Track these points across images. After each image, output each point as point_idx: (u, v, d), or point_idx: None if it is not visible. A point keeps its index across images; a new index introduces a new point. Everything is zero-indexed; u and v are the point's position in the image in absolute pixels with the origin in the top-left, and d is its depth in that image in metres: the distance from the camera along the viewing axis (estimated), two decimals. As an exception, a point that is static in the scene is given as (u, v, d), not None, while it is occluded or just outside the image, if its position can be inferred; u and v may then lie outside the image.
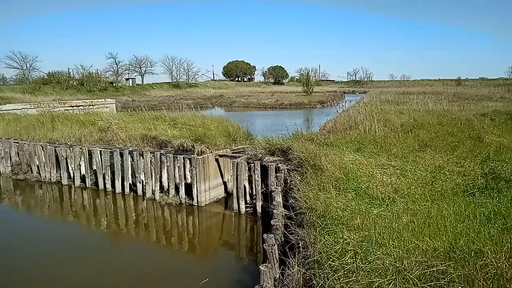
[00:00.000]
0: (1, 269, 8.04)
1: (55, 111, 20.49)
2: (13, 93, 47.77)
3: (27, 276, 7.72)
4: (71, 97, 45.83)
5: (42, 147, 14.21)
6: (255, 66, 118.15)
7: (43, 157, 14.20)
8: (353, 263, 3.55)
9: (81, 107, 24.97)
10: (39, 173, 14.47)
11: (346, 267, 3.59)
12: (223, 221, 10.83)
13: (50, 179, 14.16)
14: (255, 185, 10.49)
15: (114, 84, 69.32)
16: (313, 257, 4.08)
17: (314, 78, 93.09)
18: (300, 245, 4.90)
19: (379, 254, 3.72)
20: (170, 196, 11.63)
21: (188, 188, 11.40)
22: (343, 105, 25.91)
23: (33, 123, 16.80)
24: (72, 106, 25.34)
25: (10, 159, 15.29)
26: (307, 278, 4.05)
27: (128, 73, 79.56)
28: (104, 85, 64.63)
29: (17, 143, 15.14)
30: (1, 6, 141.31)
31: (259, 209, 10.37)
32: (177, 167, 11.39)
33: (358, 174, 6.92)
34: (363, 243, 4.05)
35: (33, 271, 7.95)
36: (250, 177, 11.12)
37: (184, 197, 11.40)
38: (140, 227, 10.60)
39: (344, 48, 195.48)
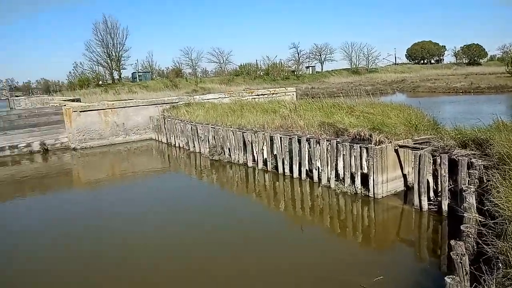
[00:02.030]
0: (202, 230, 9.46)
1: (244, 99, 22.82)
2: (212, 84, 55.76)
3: (214, 243, 8.85)
4: (258, 86, 50.41)
5: (232, 132, 16.02)
6: (444, 46, 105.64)
7: (233, 141, 16.01)
8: None
9: (265, 96, 27.04)
10: (230, 155, 16.42)
11: None
12: (401, 216, 10.08)
13: (238, 160, 15.88)
14: (440, 181, 9.34)
15: (295, 73, 72.71)
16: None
17: (523, 55, 77.19)
18: (500, 260, 4.06)
19: None
20: (345, 185, 11.48)
21: (364, 178, 11.01)
22: None
23: (226, 110, 19.08)
24: (258, 95, 27.69)
25: (208, 142, 17.80)
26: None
27: (309, 61, 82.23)
28: (286, 74, 68.55)
29: (214, 128, 17.48)
30: (207, 12, 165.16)
31: (444, 207, 9.21)
32: (353, 156, 11.12)
33: None
34: None
35: (217, 240, 9.07)
36: (434, 171, 9.97)
37: (359, 187, 11.08)
38: (315, 213, 10.84)
39: None
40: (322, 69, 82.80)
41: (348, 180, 11.44)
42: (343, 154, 11.45)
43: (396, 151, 10.82)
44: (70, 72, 64.67)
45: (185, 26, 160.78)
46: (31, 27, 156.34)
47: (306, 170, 12.89)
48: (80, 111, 22.72)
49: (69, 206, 12.82)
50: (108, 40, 61.02)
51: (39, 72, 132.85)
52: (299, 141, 12.84)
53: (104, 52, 61.36)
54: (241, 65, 72.76)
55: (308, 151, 12.68)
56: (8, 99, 58.50)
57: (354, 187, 11.22)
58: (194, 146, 19.16)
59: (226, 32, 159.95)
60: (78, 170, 19.44)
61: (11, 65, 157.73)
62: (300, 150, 12.84)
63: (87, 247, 9.17)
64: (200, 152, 18.60)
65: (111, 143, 23.35)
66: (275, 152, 14.04)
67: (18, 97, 56.73)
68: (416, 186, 9.71)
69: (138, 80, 63.83)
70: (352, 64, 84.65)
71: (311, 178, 12.71)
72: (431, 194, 10.00)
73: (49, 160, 21.14)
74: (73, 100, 30.25)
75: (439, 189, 9.53)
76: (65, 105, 24.01)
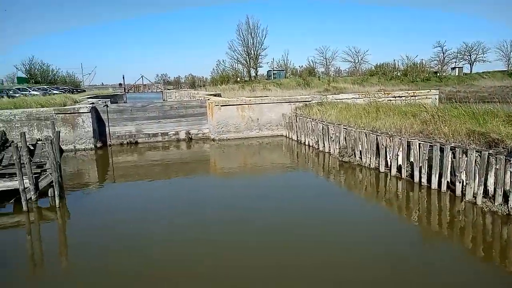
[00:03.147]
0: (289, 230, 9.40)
1: (379, 101, 21.78)
2: (345, 84, 54.76)
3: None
4: (393, 87, 47.61)
5: (365, 134, 15.44)
6: None
7: (365, 143, 15.42)
8: None
9: (403, 98, 25.33)
10: (360, 157, 15.88)
11: None
12: None
13: (370, 164, 15.25)
14: None
15: (438, 74, 66.40)
16: None
17: None
18: None
19: None
20: (496, 204, 10.04)
21: (521, 199, 9.47)
22: None
23: (359, 111, 18.50)
24: (395, 97, 26.11)
25: (339, 143, 17.51)
26: None
27: (455, 62, 74.17)
28: (427, 75, 63.10)
29: (346, 129, 17.11)
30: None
31: None
32: (509, 172, 9.65)
33: None
34: None
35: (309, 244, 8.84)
36: None
37: (514, 208, 9.58)
38: (454, 230, 9.76)
39: None
40: (471, 71, 73.79)
41: (499, 198, 9.98)
42: (496, 168, 10.02)
43: None
44: (213, 69, 70.98)
45: (322, 24, 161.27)
46: (188, 27, 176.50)
47: (447, 182, 11.67)
48: (221, 105, 24.70)
49: (204, 189, 14.29)
50: (249, 40, 64.93)
51: (187, 68, 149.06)
52: (442, 150, 11.68)
53: (244, 51, 65.49)
54: (377, 64, 69.76)
55: (452, 161, 11.46)
56: (162, 91, 67.27)
57: (507, 207, 9.73)
58: (324, 146, 19.08)
59: (363, 30, 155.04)
60: (214, 159, 21.24)
61: (165, 62, 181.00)
62: (441, 160, 11.68)
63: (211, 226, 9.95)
64: (330, 152, 18.43)
65: (245, 137, 24.83)
66: (411, 159, 13.06)
67: (170, 90, 64.79)
68: None
69: (272, 78, 66.48)
70: (510, 65, 73.33)
71: (453, 191, 11.45)
72: None
73: (191, 147, 23.56)
74: (214, 95, 33.11)
75: None
76: (208, 99, 26.40)
